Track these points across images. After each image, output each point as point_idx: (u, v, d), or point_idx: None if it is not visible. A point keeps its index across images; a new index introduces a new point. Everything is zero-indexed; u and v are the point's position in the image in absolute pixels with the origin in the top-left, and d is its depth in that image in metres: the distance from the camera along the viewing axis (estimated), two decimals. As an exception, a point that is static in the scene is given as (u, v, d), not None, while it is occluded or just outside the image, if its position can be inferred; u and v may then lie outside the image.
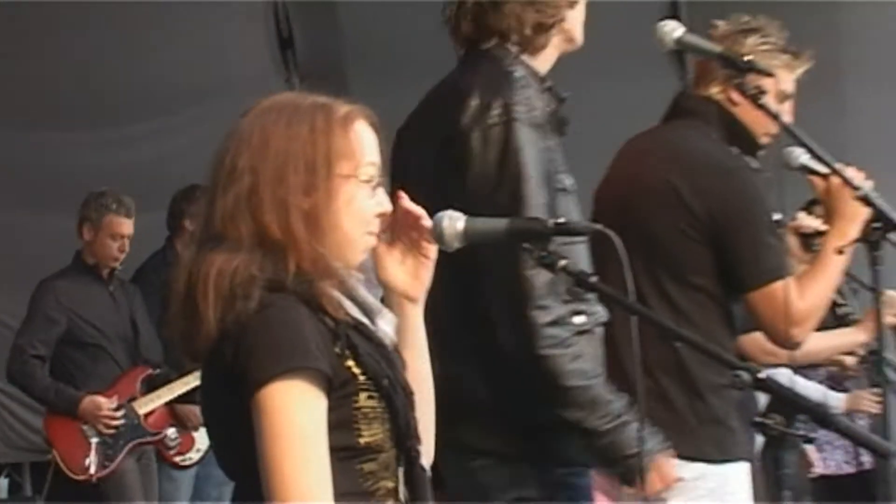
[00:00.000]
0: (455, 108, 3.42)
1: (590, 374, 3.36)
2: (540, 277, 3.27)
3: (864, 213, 3.94)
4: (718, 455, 3.90)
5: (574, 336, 3.36)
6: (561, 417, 3.34)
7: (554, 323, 3.31)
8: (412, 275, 2.72)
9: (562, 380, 3.30)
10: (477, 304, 3.40)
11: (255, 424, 2.43)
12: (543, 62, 3.57)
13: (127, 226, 6.89)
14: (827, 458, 7.36)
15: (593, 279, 2.96)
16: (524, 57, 3.51)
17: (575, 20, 3.58)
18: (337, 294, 2.53)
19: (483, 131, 3.37)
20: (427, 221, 2.70)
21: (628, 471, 3.34)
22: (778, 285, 3.89)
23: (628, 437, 3.32)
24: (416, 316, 2.75)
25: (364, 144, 2.62)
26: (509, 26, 3.49)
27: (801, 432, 2.89)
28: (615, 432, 3.32)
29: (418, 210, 2.70)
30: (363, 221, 2.61)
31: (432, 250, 2.72)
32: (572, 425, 3.34)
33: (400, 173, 3.44)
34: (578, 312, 3.39)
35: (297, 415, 2.42)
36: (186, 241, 6.87)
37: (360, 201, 2.60)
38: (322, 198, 2.55)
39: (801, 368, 6.93)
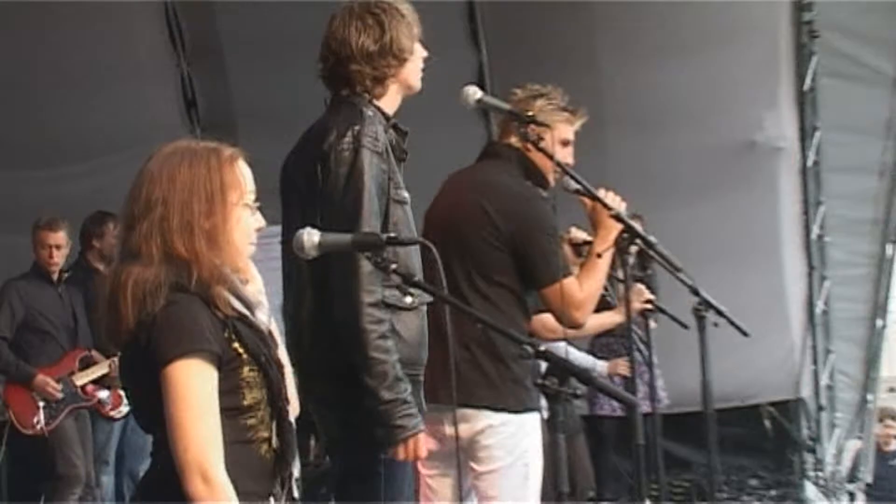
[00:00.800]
0: (322, 139, 3.43)
1: (391, 352, 3.30)
2: (369, 268, 3.27)
3: (618, 227, 4.03)
4: (518, 407, 3.91)
5: (397, 314, 3.35)
6: (360, 379, 3.29)
7: (375, 304, 3.29)
8: None
9: (367, 349, 3.26)
10: (327, 289, 3.37)
11: (163, 392, 2.46)
12: (389, 104, 3.55)
13: (52, 237, 6.85)
14: (604, 403, 7.58)
15: (417, 278, 3.08)
16: (373, 101, 3.52)
17: (409, 72, 3.57)
18: (227, 294, 2.57)
19: (337, 154, 3.37)
20: None
21: (389, 435, 3.28)
22: (564, 282, 3.94)
23: (398, 411, 3.27)
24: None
25: (246, 177, 2.66)
26: (354, 79, 3.50)
27: (571, 390, 2.95)
28: (391, 403, 3.26)
29: None
30: (248, 235, 2.66)
31: None
32: (363, 386, 3.29)
33: (288, 188, 3.54)
34: (407, 294, 3.36)
35: (193, 384, 2.47)
36: (95, 254, 7.07)
37: (245, 221, 2.64)
38: (219, 220, 2.58)
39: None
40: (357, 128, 3.40)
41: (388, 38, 3.49)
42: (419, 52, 3.60)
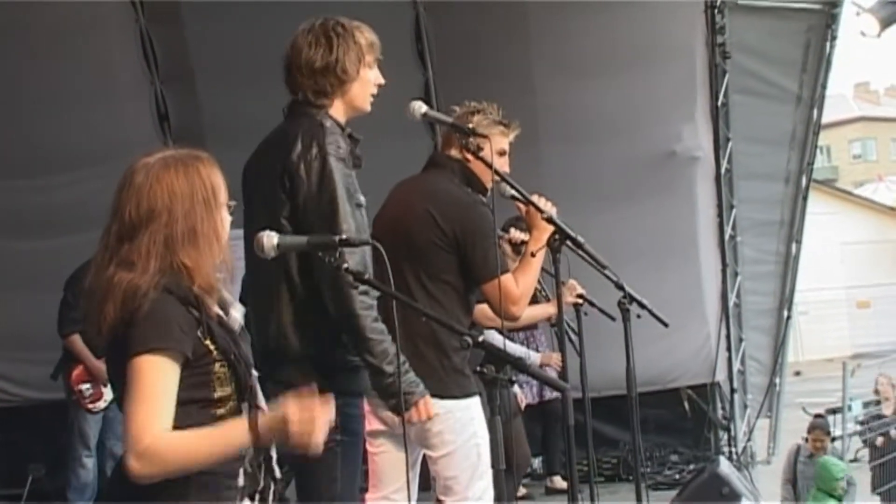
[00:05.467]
0: (286, 150, 3.37)
1: (384, 332, 3.30)
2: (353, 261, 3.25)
3: (550, 228, 4.02)
4: (461, 394, 3.89)
5: (375, 301, 3.33)
6: (363, 360, 3.30)
7: (364, 292, 3.28)
8: None
9: (365, 332, 3.26)
10: (309, 282, 3.34)
11: (126, 381, 2.43)
12: (339, 116, 3.51)
13: None
14: (526, 392, 7.58)
15: (367, 276, 3.05)
16: (329, 111, 3.48)
17: (354, 94, 3.52)
18: (211, 302, 2.55)
19: (307, 165, 3.32)
20: None
21: (399, 404, 3.32)
22: (502, 279, 3.91)
23: (404, 381, 3.32)
24: None
25: (223, 181, 2.64)
26: (297, 87, 3.48)
27: (507, 377, 2.94)
28: (395, 376, 3.28)
29: None
30: (227, 233, 2.63)
31: None
32: (367, 366, 3.30)
33: (250, 193, 3.47)
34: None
35: (150, 377, 2.41)
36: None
37: (227, 219, 2.64)
38: (217, 220, 2.58)
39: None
40: (320, 138, 3.36)
41: (333, 59, 3.46)
42: (369, 78, 3.55)
